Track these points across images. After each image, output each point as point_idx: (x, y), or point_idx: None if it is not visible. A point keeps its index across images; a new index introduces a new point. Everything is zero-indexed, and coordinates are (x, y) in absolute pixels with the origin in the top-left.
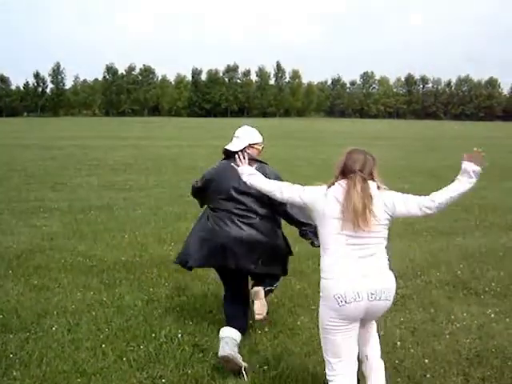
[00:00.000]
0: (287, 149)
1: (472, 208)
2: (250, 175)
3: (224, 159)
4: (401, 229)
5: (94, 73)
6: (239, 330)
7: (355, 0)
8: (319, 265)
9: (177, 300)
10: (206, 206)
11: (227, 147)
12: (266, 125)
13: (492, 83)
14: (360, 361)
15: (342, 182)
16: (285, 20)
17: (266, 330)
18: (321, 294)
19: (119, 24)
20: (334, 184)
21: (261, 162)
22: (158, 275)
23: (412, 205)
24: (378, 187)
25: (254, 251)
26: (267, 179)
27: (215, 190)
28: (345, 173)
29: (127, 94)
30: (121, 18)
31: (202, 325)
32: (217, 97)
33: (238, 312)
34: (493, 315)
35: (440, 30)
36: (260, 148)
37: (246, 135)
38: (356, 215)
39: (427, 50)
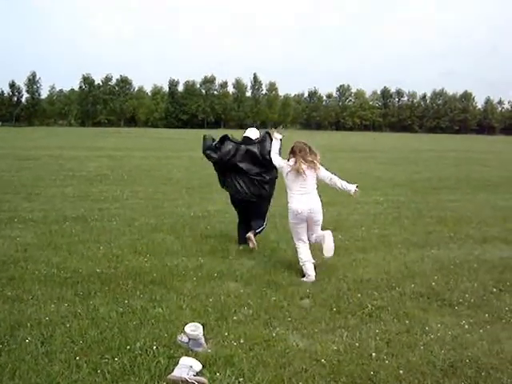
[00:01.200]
0: None
1: (446, 220)
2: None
3: (241, 143)
4: (376, 241)
5: (70, 83)
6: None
7: (332, 15)
8: (295, 276)
9: (152, 312)
10: None
11: (248, 135)
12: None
13: (466, 97)
14: (309, 241)
15: (292, 158)
16: (262, 33)
17: (242, 341)
18: (288, 209)
19: (96, 34)
20: (288, 159)
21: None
22: (133, 287)
23: (324, 175)
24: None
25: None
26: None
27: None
28: (293, 153)
29: (103, 105)
30: (98, 28)
31: (177, 337)
32: (194, 108)
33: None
34: (467, 326)
35: (415, 45)
36: (255, 138)
37: (255, 132)
38: (298, 173)
39: (403, 64)
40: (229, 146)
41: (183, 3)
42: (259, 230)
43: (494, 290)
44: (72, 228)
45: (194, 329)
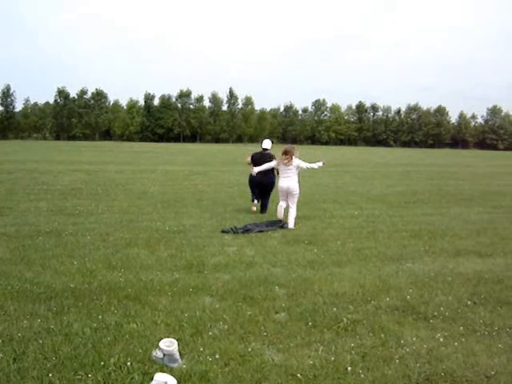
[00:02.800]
0: (238, 175)
1: (421, 234)
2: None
3: (259, 152)
4: (351, 255)
5: (45, 96)
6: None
7: (308, 30)
8: (270, 291)
9: (126, 327)
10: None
11: (264, 146)
12: (219, 150)
13: (440, 111)
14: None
15: (283, 156)
16: (239, 47)
17: (217, 356)
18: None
19: (72, 47)
20: (282, 156)
21: (268, 151)
22: (107, 302)
23: (300, 165)
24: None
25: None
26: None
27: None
28: (284, 153)
29: (79, 118)
30: (74, 40)
31: (152, 353)
32: (169, 122)
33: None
34: (442, 339)
35: (390, 60)
36: (269, 148)
37: (269, 143)
38: (286, 164)
39: (377, 79)
40: (257, 154)
41: (158, 17)
42: (266, 206)
43: (469, 302)
44: (45, 243)
45: (169, 344)
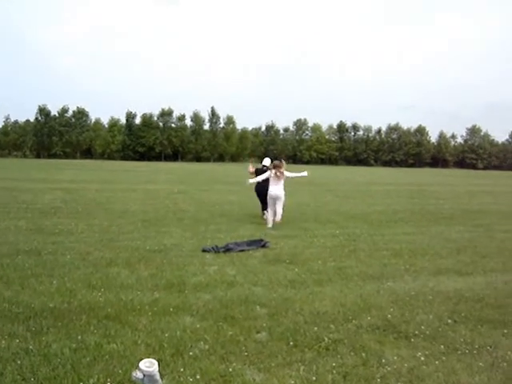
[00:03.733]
0: (219, 194)
1: (402, 253)
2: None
3: (261, 168)
4: (332, 274)
5: (26, 114)
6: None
7: (290, 49)
8: (252, 310)
9: (106, 348)
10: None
11: (264, 164)
12: (200, 169)
13: (420, 131)
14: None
15: (273, 169)
16: (220, 67)
17: (198, 377)
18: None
19: (53, 65)
20: (271, 170)
21: (268, 168)
22: (86, 322)
23: (288, 176)
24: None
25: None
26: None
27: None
28: (274, 167)
29: (59, 137)
30: (55, 59)
31: (131, 373)
32: (151, 141)
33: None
34: (423, 358)
35: (371, 80)
36: (268, 164)
37: (269, 161)
38: (276, 176)
39: (358, 99)
40: (259, 169)
41: (139, 35)
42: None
43: (449, 321)
44: (25, 262)
45: (149, 365)
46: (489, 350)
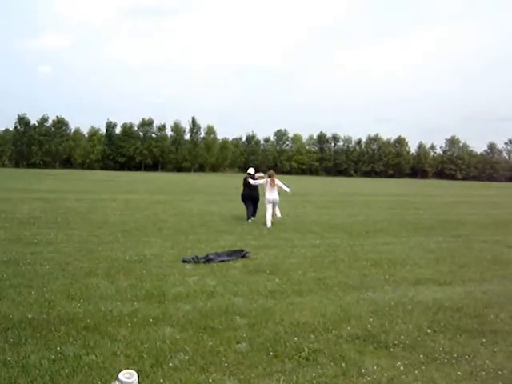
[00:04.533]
0: (200, 204)
1: (381, 263)
2: (256, 180)
3: (247, 176)
4: (312, 284)
5: (5, 123)
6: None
7: (269, 60)
8: (232, 321)
9: (85, 359)
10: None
11: (249, 172)
12: (180, 179)
13: (400, 142)
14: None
15: (268, 178)
16: (201, 78)
17: None
18: (265, 198)
19: (33, 74)
20: (267, 178)
21: (253, 175)
22: (65, 333)
23: (279, 185)
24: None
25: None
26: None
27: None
28: (269, 176)
29: (39, 146)
30: (35, 67)
31: None
32: (131, 150)
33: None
34: (402, 368)
35: (350, 91)
36: (253, 173)
37: (253, 170)
38: (271, 184)
39: (338, 110)
40: (245, 178)
41: (120, 45)
42: (255, 215)
43: (429, 330)
44: (3, 272)
45: (129, 376)
46: (467, 359)
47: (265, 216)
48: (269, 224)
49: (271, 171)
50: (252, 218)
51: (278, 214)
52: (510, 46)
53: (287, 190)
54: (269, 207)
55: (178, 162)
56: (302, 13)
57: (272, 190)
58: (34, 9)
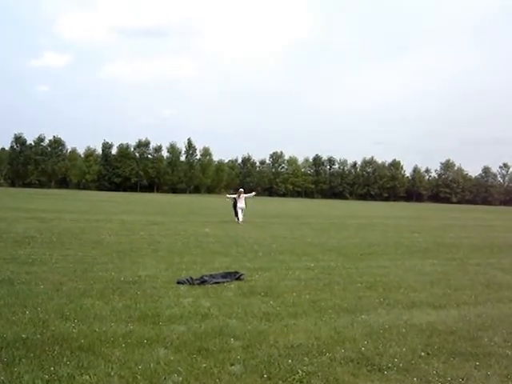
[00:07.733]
0: (195, 226)
1: (376, 286)
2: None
3: (234, 193)
4: (307, 307)
5: (1, 142)
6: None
7: (264, 83)
8: (226, 343)
9: (79, 379)
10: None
11: (240, 190)
12: (176, 200)
13: (395, 165)
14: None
15: (236, 194)
16: (197, 99)
17: None
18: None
19: (32, 93)
20: (236, 194)
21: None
22: (59, 353)
23: (246, 195)
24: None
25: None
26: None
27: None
28: (239, 193)
29: (35, 165)
30: (32, 88)
31: None
32: (127, 171)
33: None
34: None
35: (346, 115)
36: (243, 191)
37: (242, 189)
38: (239, 197)
39: (334, 133)
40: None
41: (117, 66)
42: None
43: (423, 353)
44: None
45: None
46: (461, 383)
47: (236, 216)
48: (237, 220)
49: (241, 189)
50: (238, 220)
51: (241, 219)
52: (504, 67)
53: (251, 194)
54: (239, 211)
55: (174, 183)
56: (296, 34)
57: (240, 201)
58: (35, 28)
